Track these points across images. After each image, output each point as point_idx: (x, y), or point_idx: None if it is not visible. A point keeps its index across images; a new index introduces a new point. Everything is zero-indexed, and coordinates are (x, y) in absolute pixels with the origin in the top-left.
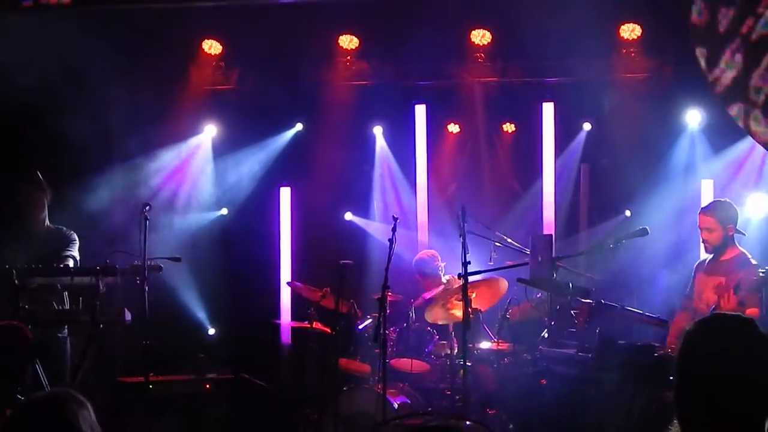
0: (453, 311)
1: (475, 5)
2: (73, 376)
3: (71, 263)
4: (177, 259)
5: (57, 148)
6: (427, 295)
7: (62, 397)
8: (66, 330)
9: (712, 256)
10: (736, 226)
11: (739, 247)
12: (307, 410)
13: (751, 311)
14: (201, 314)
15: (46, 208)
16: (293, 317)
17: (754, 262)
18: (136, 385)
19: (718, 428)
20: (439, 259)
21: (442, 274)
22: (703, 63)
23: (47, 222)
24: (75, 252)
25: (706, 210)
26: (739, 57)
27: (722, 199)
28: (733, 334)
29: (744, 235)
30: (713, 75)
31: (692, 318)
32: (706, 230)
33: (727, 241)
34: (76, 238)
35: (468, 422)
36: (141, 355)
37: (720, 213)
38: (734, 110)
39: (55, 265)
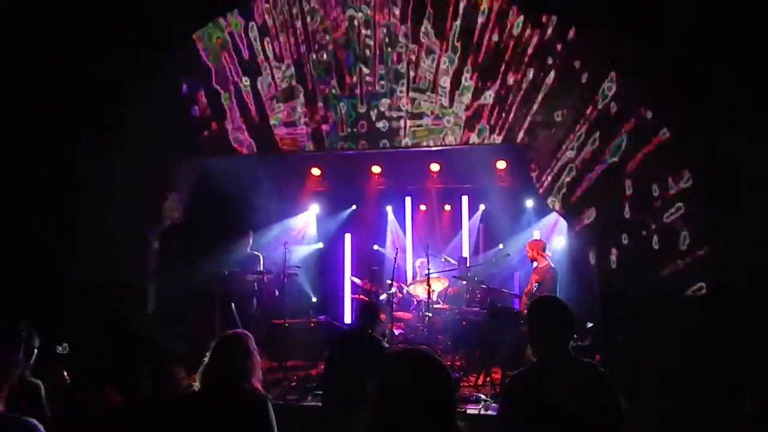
0: (424, 289)
1: (432, 154)
2: (254, 320)
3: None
4: (298, 267)
5: (250, 218)
6: (414, 280)
7: (246, 334)
8: (255, 300)
9: (535, 264)
10: (543, 250)
11: (548, 261)
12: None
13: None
14: (309, 290)
15: (251, 242)
16: (352, 293)
17: (553, 267)
18: (280, 324)
19: (541, 345)
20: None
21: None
22: (534, 179)
23: (249, 249)
24: (260, 266)
25: (527, 243)
26: (551, 176)
27: (533, 238)
28: (546, 305)
29: (550, 255)
30: (540, 184)
31: (529, 294)
32: (527, 252)
33: (538, 258)
34: (260, 257)
35: (424, 346)
36: (281, 310)
37: (531, 245)
38: (549, 200)
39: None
